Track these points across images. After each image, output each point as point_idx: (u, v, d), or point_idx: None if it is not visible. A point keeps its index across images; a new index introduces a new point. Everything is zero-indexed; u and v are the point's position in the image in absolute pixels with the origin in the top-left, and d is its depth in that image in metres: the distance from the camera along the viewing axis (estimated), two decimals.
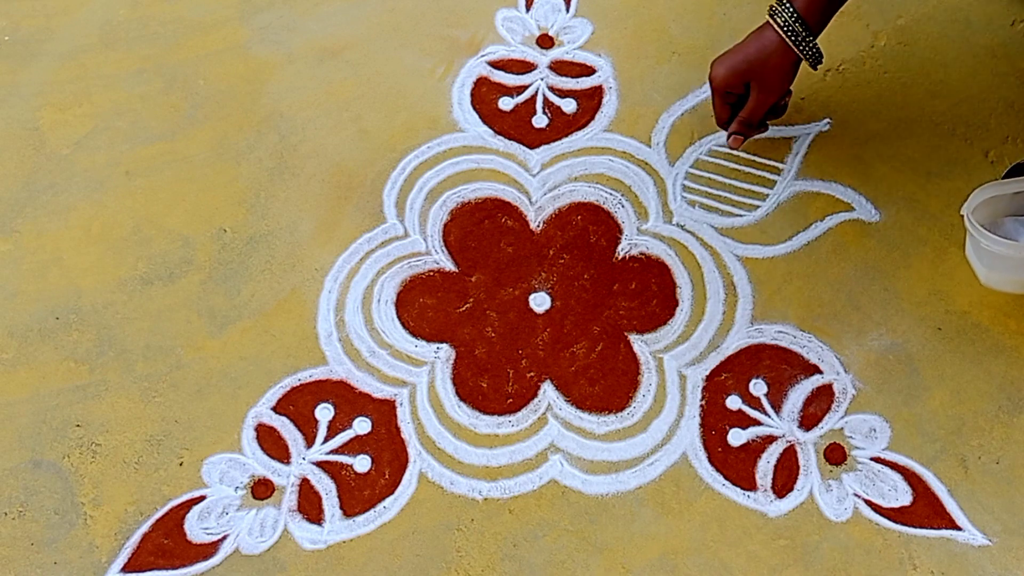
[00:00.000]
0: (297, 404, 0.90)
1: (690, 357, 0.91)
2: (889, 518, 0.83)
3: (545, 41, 1.09)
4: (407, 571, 0.82)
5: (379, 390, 0.90)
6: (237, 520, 0.85)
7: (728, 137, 0.96)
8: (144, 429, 0.89)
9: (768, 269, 0.94)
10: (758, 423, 0.87)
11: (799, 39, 0.87)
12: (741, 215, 0.97)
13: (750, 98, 0.91)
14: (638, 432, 0.88)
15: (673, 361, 0.90)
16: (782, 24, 0.87)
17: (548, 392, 0.90)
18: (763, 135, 0.97)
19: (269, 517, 0.85)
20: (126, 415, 0.90)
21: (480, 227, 0.98)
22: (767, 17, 0.88)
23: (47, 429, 0.89)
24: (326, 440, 0.88)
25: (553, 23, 1.10)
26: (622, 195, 0.99)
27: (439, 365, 0.91)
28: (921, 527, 0.82)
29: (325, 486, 0.86)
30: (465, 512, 0.85)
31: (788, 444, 0.86)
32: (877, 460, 0.85)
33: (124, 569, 0.83)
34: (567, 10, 1.11)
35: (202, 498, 0.86)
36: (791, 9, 0.87)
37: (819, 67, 0.90)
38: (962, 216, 0.84)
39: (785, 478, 0.85)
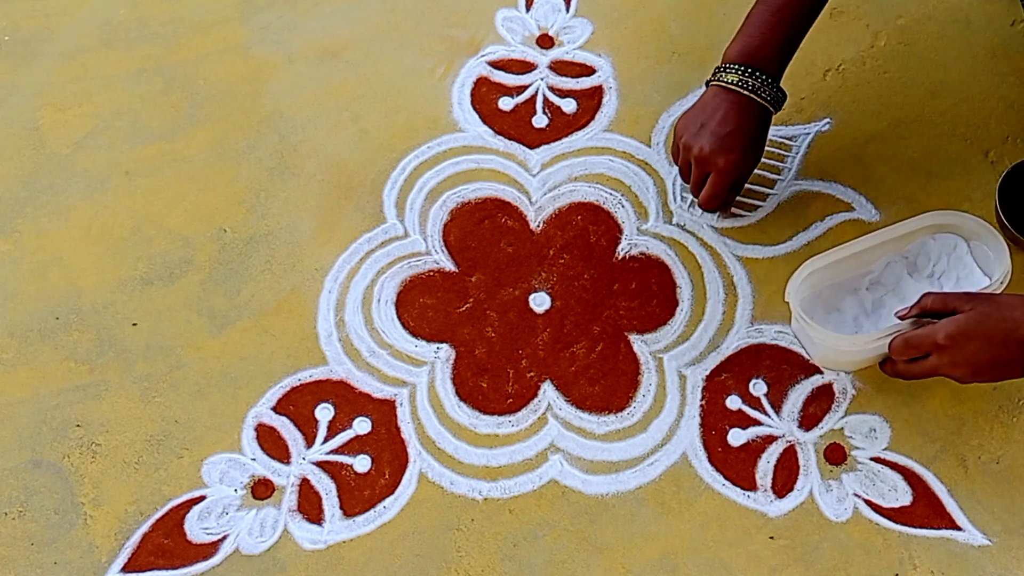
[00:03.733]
0: (297, 404, 0.90)
1: (690, 357, 0.91)
2: (889, 518, 0.83)
3: (545, 41, 1.09)
4: (407, 571, 0.82)
5: (379, 390, 0.90)
6: (237, 520, 0.85)
7: (719, 209, 0.95)
8: (144, 429, 0.89)
9: (768, 269, 0.94)
10: (758, 423, 0.87)
11: (773, 97, 0.89)
12: (741, 215, 0.97)
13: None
14: (638, 432, 0.88)
15: (673, 361, 0.90)
16: (756, 91, 0.88)
17: (548, 392, 0.90)
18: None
19: (269, 517, 0.85)
20: (126, 415, 0.90)
21: (480, 227, 0.98)
22: (730, 88, 0.88)
23: (47, 429, 0.89)
24: (326, 440, 0.88)
25: (553, 23, 1.10)
26: (622, 195, 0.99)
27: (439, 365, 0.91)
28: (921, 527, 0.82)
29: (325, 486, 0.86)
30: (465, 512, 0.85)
31: (788, 444, 0.86)
32: (877, 460, 0.85)
33: (124, 569, 0.83)
34: (567, 10, 1.11)
35: (202, 498, 0.86)
36: (754, 72, 0.88)
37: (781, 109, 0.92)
38: (786, 302, 0.84)
39: (785, 478, 0.85)
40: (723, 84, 0.89)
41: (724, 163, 0.89)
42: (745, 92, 0.88)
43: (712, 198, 0.92)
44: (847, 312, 0.87)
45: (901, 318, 0.80)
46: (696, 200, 0.94)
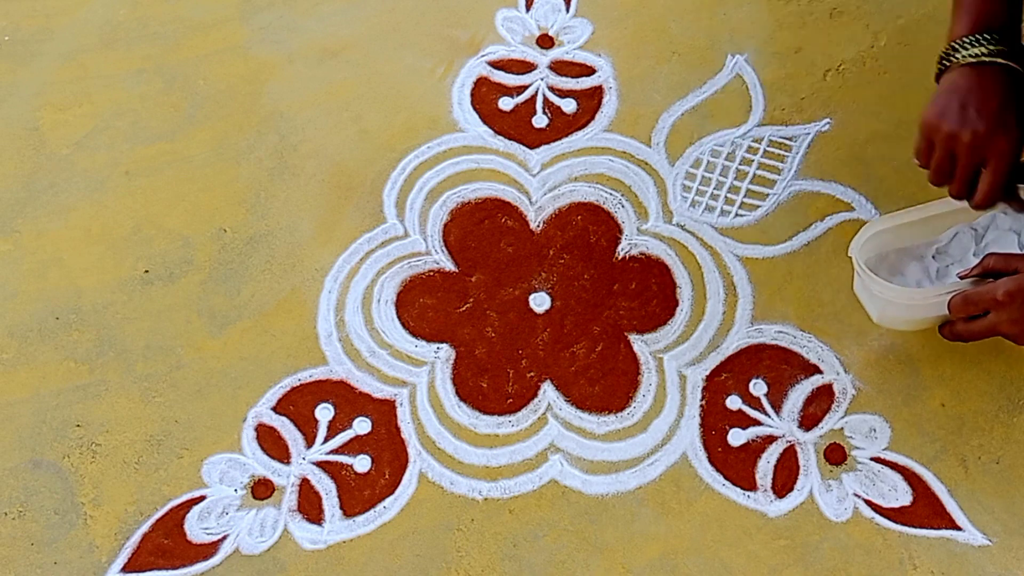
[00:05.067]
0: (297, 404, 0.90)
1: (690, 357, 0.91)
2: (889, 518, 0.83)
3: (545, 41, 1.09)
4: (407, 571, 0.82)
5: (379, 390, 0.90)
6: (237, 520, 0.85)
7: (1002, 201, 0.81)
8: (144, 429, 0.89)
9: (768, 269, 0.94)
10: (758, 423, 0.87)
11: (1016, 55, 0.78)
12: (741, 215, 0.97)
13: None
14: (638, 432, 0.88)
15: (673, 361, 0.90)
16: (999, 55, 0.78)
17: (548, 392, 0.90)
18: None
19: (269, 517, 0.85)
20: (126, 415, 0.90)
21: (480, 227, 0.98)
22: (971, 64, 0.78)
23: (47, 429, 0.89)
24: (326, 440, 0.88)
25: (553, 23, 1.10)
26: (622, 195, 0.99)
27: (439, 365, 0.91)
28: (921, 527, 0.82)
29: (325, 486, 0.86)
30: (465, 512, 0.85)
31: (788, 444, 0.86)
32: (877, 460, 0.85)
33: (124, 569, 0.83)
34: (567, 10, 1.11)
35: (202, 498, 0.86)
36: (978, 39, 0.78)
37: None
38: (850, 257, 0.83)
39: (785, 478, 0.85)
40: (970, 61, 0.78)
41: (1007, 143, 0.77)
42: (1000, 60, 0.77)
43: (996, 189, 0.79)
44: (910, 277, 0.85)
45: (962, 277, 0.79)
46: (968, 201, 0.81)
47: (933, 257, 0.86)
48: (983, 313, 0.76)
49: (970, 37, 0.79)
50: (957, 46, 0.80)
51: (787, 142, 1.00)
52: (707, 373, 0.90)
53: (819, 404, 0.88)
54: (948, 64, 0.80)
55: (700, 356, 0.91)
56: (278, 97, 1.07)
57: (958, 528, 0.82)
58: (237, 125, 1.05)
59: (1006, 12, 0.79)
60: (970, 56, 0.78)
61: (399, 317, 0.94)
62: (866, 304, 0.87)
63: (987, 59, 0.78)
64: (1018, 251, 0.83)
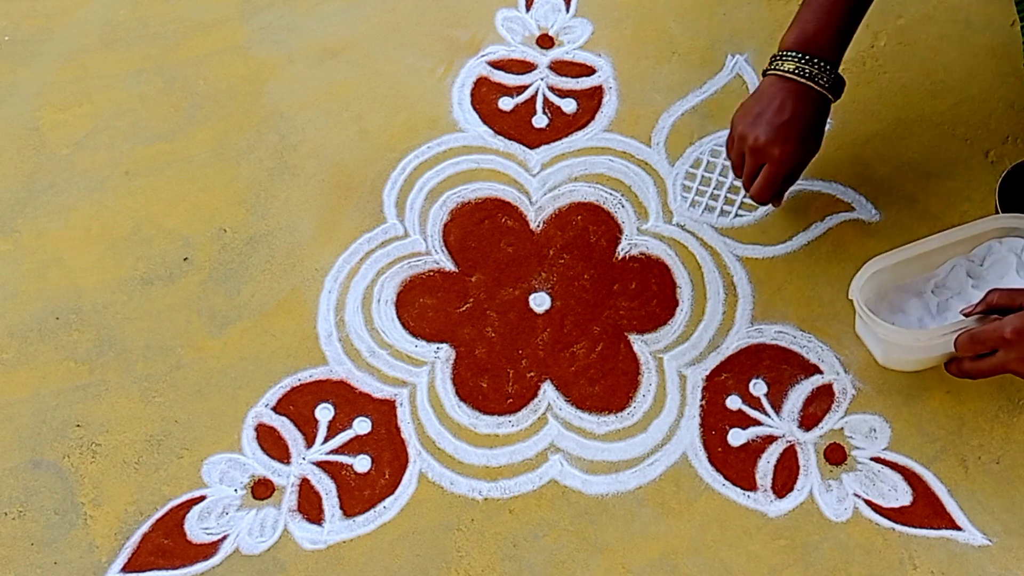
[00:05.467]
0: (297, 404, 0.90)
1: (690, 357, 0.91)
2: (889, 518, 0.83)
3: (545, 41, 1.09)
4: (407, 571, 0.82)
5: (379, 390, 0.90)
6: (237, 520, 0.85)
7: (771, 202, 0.91)
8: (144, 429, 0.89)
9: (768, 269, 0.94)
10: (758, 423, 0.87)
11: (831, 83, 0.86)
12: (741, 215, 0.97)
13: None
14: (638, 432, 0.88)
15: (673, 361, 0.90)
16: (814, 78, 0.85)
17: (548, 392, 0.90)
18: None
19: (269, 517, 0.85)
20: (126, 415, 0.90)
21: (480, 227, 0.98)
22: (786, 76, 0.85)
23: (47, 429, 0.89)
24: (326, 440, 0.88)
25: (553, 23, 1.10)
26: (622, 195, 0.99)
27: (439, 365, 0.91)
28: (921, 527, 0.82)
29: (325, 486, 0.86)
30: (465, 512, 0.85)
31: (788, 444, 0.86)
32: (877, 460, 0.85)
33: (124, 569, 0.83)
34: (567, 10, 1.11)
35: (202, 498, 0.86)
36: (811, 59, 0.85)
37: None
38: (851, 300, 0.83)
39: (785, 478, 0.85)
40: (779, 73, 0.86)
41: (780, 153, 0.86)
42: (802, 80, 0.85)
43: (764, 189, 0.88)
44: (911, 314, 0.86)
45: (967, 315, 0.79)
46: (746, 194, 0.91)
47: (932, 292, 0.86)
48: (990, 351, 0.76)
49: (791, 53, 0.86)
50: (777, 56, 0.87)
51: None
52: (707, 373, 0.90)
53: (819, 404, 0.88)
54: (768, 69, 0.88)
55: (700, 356, 0.91)
56: (278, 97, 1.07)
57: (958, 528, 0.82)
58: (237, 125, 1.05)
59: (833, 41, 0.86)
60: (781, 69, 0.86)
61: (399, 317, 0.94)
62: (871, 346, 0.87)
63: (793, 76, 0.85)
64: (1015, 273, 0.84)
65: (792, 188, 0.98)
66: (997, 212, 0.90)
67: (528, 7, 1.12)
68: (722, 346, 0.91)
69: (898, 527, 0.82)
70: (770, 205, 0.96)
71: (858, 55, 1.05)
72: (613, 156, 1.01)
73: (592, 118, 1.04)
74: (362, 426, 0.89)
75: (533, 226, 0.98)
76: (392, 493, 0.86)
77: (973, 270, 0.86)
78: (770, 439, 0.87)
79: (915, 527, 0.82)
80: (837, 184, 0.98)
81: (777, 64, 0.87)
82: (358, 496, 0.86)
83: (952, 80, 1.03)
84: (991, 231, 0.86)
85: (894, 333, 0.81)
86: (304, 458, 0.87)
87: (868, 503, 0.83)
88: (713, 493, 0.85)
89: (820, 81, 0.85)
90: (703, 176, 0.99)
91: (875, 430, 0.86)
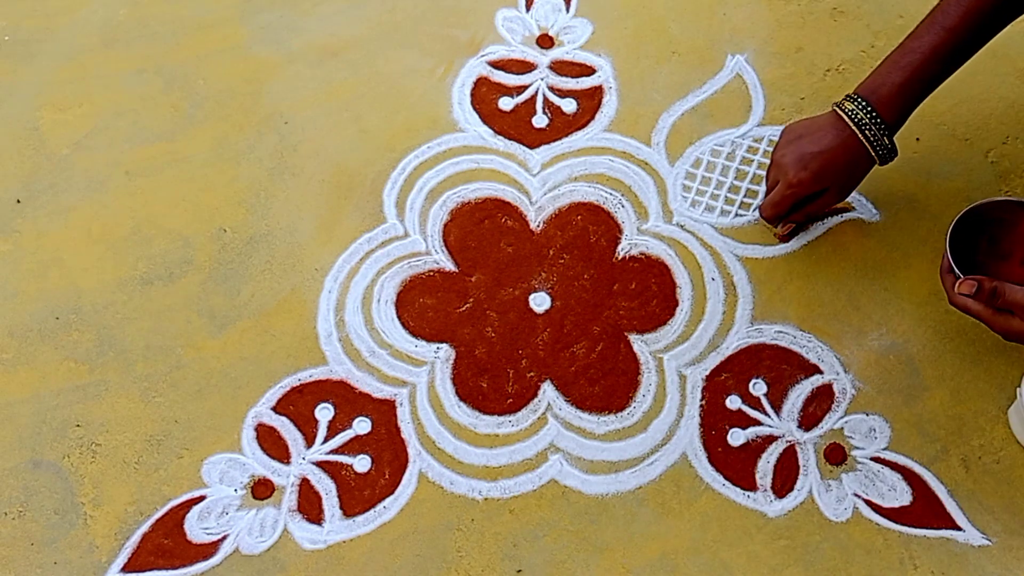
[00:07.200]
0: (297, 404, 0.90)
1: (690, 357, 0.91)
2: (889, 518, 0.83)
3: (545, 41, 1.09)
4: (407, 571, 0.82)
5: (379, 390, 0.90)
6: (237, 520, 0.85)
7: (779, 225, 0.94)
8: (144, 429, 0.89)
9: (768, 269, 0.94)
10: (758, 423, 0.87)
11: (878, 141, 0.86)
12: (741, 215, 0.97)
13: (823, 197, 0.90)
14: (638, 432, 0.88)
15: (673, 361, 0.91)
16: (862, 126, 0.85)
17: (548, 392, 0.90)
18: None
19: (269, 517, 0.85)
20: (126, 415, 0.90)
21: (480, 227, 0.98)
22: (842, 114, 0.86)
23: (47, 429, 0.89)
24: (326, 440, 0.88)
25: (553, 23, 1.10)
26: (622, 195, 0.99)
27: (439, 365, 0.91)
28: (921, 527, 0.82)
29: (325, 486, 0.86)
30: (465, 512, 0.85)
31: (788, 444, 0.86)
32: (877, 460, 0.85)
33: (124, 569, 0.83)
34: (567, 10, 1.11)
35: (202, 498, 0.86)
36: (868, 108, 0.85)
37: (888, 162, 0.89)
38: (1017, 391, 0.81)
39: (785, 478, 0.85)
40: (838, 109, 0.87)
41: (793, 176, 0.88)
42: (851, 124, 0.86)
43: (769, 204, 0.91)
44: None
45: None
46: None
47: None
48: None
49: (859, 97, 0.86)
50: (852, 97, 0.86)
51: None
52: (707, 373, 0.90)
53: (819, 404, 0.88)
54: (839, 104, 0.87)
55: (700, 356, 0.91)
56: (278, 97, 1.07)
57: (958, 528, 0.82)
58: (237, 125, 1.05)
59: (896, 102, 0.85)
60: (842, 107, 0.86)
61: (399, 317, 0.94)
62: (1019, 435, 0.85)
63: (846, 117, 0.86)
64: None
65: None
66: (947, 254, 0.79)
67: (528, 7, 1.12)
68: (722, 346, 0.91)
69: (898, 527, 0.82)
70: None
71: (858, 55, 1.05)
72: (613, 156, 1.01)
73: (592, 118, 1.04)
74: (362, 426, 0.89)
75: (533, 226, 0.98)
76: (392, 493, 0.86)
77: None
78: (770, 439, 0.87)
79: (915, 527, 0.82)
80: None
81: (844, 102, 0.87)
82: (358, 496, 0.86)
83: (952, 80, 1.02)
84: None
85: None
86: (304, 458, 0.87)
87: (868, 503, 0.83)
88: (713, 493, 0.85)
89: (867, 133, 0.85)
90: (703, 176, 0.99)
91: (875, 430, 0.86)
